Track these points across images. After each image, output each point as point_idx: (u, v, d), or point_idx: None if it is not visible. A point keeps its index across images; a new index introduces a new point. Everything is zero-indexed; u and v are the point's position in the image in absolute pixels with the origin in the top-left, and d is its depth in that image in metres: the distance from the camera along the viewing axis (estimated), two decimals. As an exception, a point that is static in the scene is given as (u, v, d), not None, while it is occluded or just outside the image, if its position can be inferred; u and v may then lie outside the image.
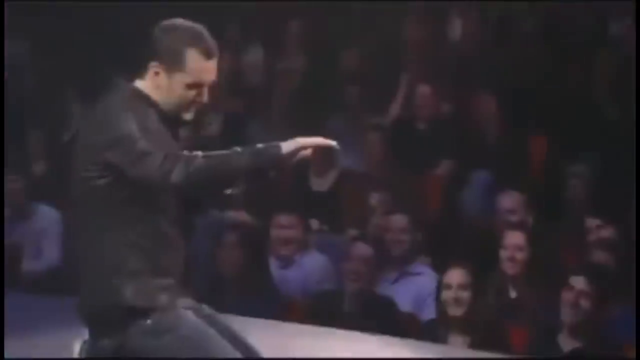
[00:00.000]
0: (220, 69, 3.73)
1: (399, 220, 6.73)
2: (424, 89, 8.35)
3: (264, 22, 9.75)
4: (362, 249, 6.40)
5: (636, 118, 7.28)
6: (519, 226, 6.49)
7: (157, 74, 3.64)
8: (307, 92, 8.74)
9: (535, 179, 7.75)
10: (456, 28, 9.39)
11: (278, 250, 6.88)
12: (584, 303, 5.53)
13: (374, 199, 7.33)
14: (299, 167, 3.65)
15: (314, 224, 7.40)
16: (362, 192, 7.50)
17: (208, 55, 3.65)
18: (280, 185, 7.45)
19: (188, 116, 3.69)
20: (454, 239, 7.04)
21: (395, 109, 8.73)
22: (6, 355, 3.75)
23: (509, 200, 6.96)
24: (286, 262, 6.87)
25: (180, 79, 3.63)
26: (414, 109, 8.43)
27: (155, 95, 3.65)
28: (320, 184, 7.69)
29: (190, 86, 3.64)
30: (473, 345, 5.72)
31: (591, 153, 7.63)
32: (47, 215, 7.77)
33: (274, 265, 6.82)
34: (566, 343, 5.59)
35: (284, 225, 6.85)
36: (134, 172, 3.50)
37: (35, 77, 10.09)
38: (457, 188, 7.83)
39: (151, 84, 3.66)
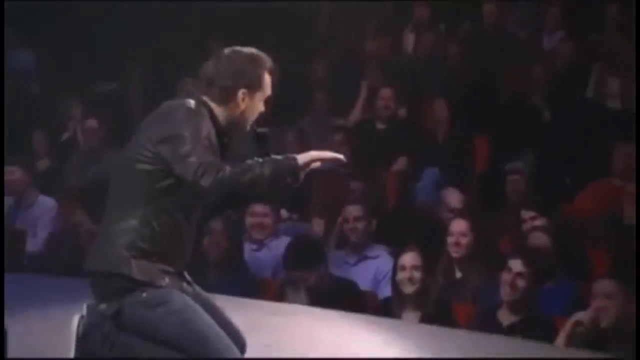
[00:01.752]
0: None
1: (354, 210, 6.71)
2: (385, 92, 8.35)
3: (243, 36, 9.72)
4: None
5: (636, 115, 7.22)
6: (463, 215, 6.51)
7: (243, 99, 3.73)
8: (281, 98, 8.72)
9: (478, 174, 7.77)
10: (410, 41, 9.41)
11: (252, 234, 6.88)
12: (520, 283, 5.53)
13: (338, 191, 7.33)
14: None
15: (284, 213, 7.39)
16: (327, 185, 7.50)
17: (271, 72, 3.81)
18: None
19: (249, 126, 3.79)
20: (408, 226, 7.03)
21: (357, 112, 8.74)
22: (13, 329, 3.71)
23: (456, 193, 6.98)
24: (259, 246, 6.86)
25: (260, 97, 3.76)
26: (375, 110, 8.43)
27: (234, 115, 3.73)
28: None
29: (264, 100, 3.78)
30: (423, 320, 5.72)
31: (528, 152, 7.67)
32: (44, 205, 7.72)
33: (248, 248, 6.82)
34: (504, 318, 5.58)
35: (258, 213, 6.85)
36: (176, 169, 3.55)
37: (39, 83, 10.07)
38: (410, 182, 7.85)
39: (235, 106, 3.72)
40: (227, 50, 3.79)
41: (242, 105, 3.73)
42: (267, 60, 3.78)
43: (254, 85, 3.74)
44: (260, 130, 3.80)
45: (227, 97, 3.72)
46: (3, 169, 7.55)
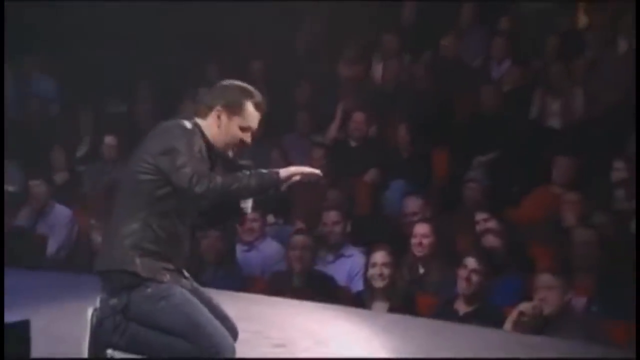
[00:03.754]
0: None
1: (332, 215, 6.72)
2: (358, 116, 8.37)
3: (235, 63, 9.74)
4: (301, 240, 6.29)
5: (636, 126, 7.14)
6: (425, 219, 6.53)
7: (219, 116, 3.68)
8: (268, 117, 8.72)
9: (437, 184, 7.79)
10: (379, 69, 9.42)
11: (243, 237, 6.86)
12: (474, 278, 5.55)
13: (317, 199, 7.32)
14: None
15: (270, 218, 7.39)
16: (308, 194, 7.49)
17: (258, 108, 3.72)
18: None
19: (231, 153, 3.75)
20: (378, 229, 7.04)
21: (333, 131, 8.73)
22: (35, 320, 3.68)
23: (418, 201, 7.01)
24: (249, 247, 6.85)
25: (237, 122, 3.68)
26: (349, 130, 8.45)
27: (212, 132, 3.68)
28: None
29: (242, 128, 3.69)
30: (391, 310, 5.72)
31: (480, 165, 7.71)
32: (61, 213, 7.70)
33: (239, 249, 6.81)
34: (461, 307, 5.60)
35: (247, 218, 6.83)
36: (173, 178, 3.54)
37: (59, 107, 10.04)
38: (380, 191, 7.86)
39: (212, 122, 3.69)
40: (224, 81, 3.78)
41: (218, 122, 3.68)
42: (256, 94, 3.73)
43: (233, 108, 3.69)
44: (243, 162, 3.80)
45: (207, 113, 3.71)
46: (3, 172, 7.55)
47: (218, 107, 3.69)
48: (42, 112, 9.73)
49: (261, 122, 3.78)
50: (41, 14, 9.73)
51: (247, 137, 3.72)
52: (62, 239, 7.57)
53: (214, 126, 3.69)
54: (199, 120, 3.71)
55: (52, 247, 7.49)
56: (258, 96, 3.73)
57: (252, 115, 3.71)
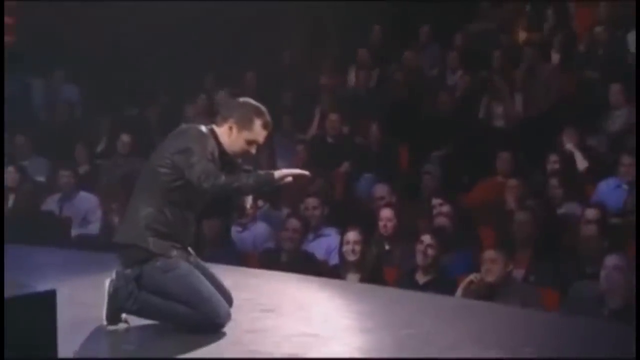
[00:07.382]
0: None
1: (312, 201, 6.71)
2: (333, 116, 8.37)
3: (230, 73, 9.73)
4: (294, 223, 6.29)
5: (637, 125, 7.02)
6: (389, 205, 6.54)
7: (231, 128, 3.68)
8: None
9: (401, 174, 7.80)
10: (353, 78, 9.44)
11: (238, 220, 6.85)
12: (430, 252, 5.57)
13: (300, 187, 7.30)
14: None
15: (260, 203, 7.38)
16: (292, 183, 7.45)
17: (266, 127, 3.70)
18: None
19: (239, 160, 3.76)
20: (351, 212, 7.04)
21: (313, 129, 8.74)
22: (61, 290, 3.67)
23: (384, 189, 7.01)
24: (243, 228, 6.84)
25: (245, 136, 3.67)
26: (326, 129, 8.45)
27: (224, 139, 3.69)
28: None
29: (248, 142, 3.68)
30: (362, 280, 5.73)
31: (436, 158, 7.73)
32: (85, 199, 7.66)
33: (234, 230, 6.79)
34: (420, 278, 5.61)
35: (247, 211, 6.78)
36: (186, 174, 3.56)
37: (82, 110, 10.01)
38: (352, 180, 7.86)
39: (224, 132, 3.69)
40: (242, 98, 3.78)
41: (229, 133, 3.69)
42: (265, 115, 3.70)
43: (242, 123, 3.68)
44: (246, 167, 3.81)
45: (222, 122, 3.71)
46: (3, 169, 7.52)
47: (231, 120, 3.68)
48: (68, 115, 9.69)
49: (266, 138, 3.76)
50: (68, 34, 9.73)
51: (253, 149, 3.72)
52: (85, 221, 7.54)
53: (226, 135, 3.69)
54: (215, 127, 3.71)
55: (75, 228, 7.45)
56: (267, 116, 3.71)
57: (259, 132, 3.70)
